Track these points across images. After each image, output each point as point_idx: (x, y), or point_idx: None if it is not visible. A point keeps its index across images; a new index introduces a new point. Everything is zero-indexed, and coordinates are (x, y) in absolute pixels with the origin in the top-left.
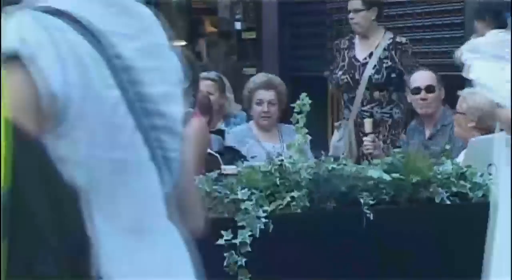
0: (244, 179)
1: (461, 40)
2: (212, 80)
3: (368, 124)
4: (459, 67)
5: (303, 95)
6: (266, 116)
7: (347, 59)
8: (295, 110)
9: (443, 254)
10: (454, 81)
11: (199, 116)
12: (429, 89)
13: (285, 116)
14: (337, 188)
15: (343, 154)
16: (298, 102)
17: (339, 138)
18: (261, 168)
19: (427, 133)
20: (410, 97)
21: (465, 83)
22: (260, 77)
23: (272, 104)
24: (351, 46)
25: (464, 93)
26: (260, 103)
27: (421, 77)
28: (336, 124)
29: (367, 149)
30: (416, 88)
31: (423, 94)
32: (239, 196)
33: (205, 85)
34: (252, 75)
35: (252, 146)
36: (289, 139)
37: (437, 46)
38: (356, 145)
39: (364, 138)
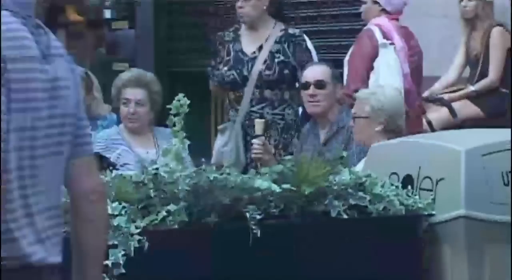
0: (114, 191)
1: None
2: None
3: (258, 125)
4: None
5: (180, 94)
6: (133, 118)
7: (232, 53)
8: (171, 112)
9: (339, 273)
10: None
11: None
12: (319, 84)
13: (163, 118)
14: (219, 201)
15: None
16: (174, 102)
17: (223, 144)
18: (133, 178)
19: (322, 137)
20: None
21: None
22: (128, 73)
23: (140, 104)
24: (237, 39)
25: (362, 94)
26: (126, 103)
27: (312, 71)
28: (220, 127)
29: (256, 153)
30: (305, 83)
31: (312, 89)
32: (109, 211)
33: None
34: (124, 71)
35: (123, 153)
36: (166, 145)
37: (337, 39)
38: (244, 152)
39: (253, 141)
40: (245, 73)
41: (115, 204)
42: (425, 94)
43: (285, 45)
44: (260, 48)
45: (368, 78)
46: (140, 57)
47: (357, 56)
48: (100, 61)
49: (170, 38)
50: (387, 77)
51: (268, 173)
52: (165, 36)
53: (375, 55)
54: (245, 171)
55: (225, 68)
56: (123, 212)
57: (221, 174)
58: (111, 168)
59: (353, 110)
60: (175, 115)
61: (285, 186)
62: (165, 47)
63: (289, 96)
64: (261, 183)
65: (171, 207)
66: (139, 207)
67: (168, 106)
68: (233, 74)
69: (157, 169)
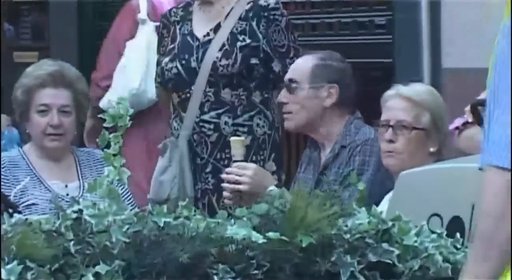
0: (15, 245)
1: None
2: None
3: (236, 145)
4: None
5: (121, 98)
6: (57, 132)
7: (178, 38)
8: (105, 124)
9: None
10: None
11: None
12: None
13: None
14: (174, 258)
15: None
16: (110, 109)
17: (162, 169)
18: (43, 225)
19: (322, 160)
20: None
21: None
22: (45, 67)
23: (65, 112)
24: (186, 18)
25: (416, 92)
26: (45, 110)
27: (303, 63)
28: (159, 145)
29: (232, 187)
30: (291, 81)
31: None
32: (4, 277)
33: None
34: (29, 64)
35: (29, 187)
36: (93, 174)
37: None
38: (191, 181)
39: (228, 169)
40: (193, 64)
41: (14, 264)
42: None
43: (254, 23)
44: (217, 28)
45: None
46: (53, 43)
47: (110, 36)
48: None
49: (102, 15)
50: (133, 62)
51: (246, 216)
52: (94, 12)
53: (133, 34)
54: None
55: (166, 59)
56: (28, 277)
57: (176, 218)
58: (10, 210)
59: (387, 116)
60: (111, 130)
61: (272, 235)
62: (93, 27)
63: (261, 99)
64: (236, 230)
65: (101, 268)
66: (53, 268)
67: (99, 116)
68: (176, 67)
69: (80, 211)
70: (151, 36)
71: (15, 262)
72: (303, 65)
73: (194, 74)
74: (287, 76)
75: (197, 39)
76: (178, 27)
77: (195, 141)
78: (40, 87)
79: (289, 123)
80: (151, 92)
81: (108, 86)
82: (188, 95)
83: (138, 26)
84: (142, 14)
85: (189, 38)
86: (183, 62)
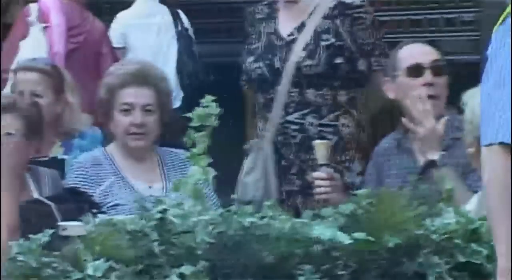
0: (99, 245)
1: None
2: (40, 71)
3: (320, 149)
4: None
5: (208, 98)
6: (140, 132)
7: (263, 37)
8: (190, 124)
9: None
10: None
11: None
12: (436, 69)
13: (172, 135)
14: (258, 259)
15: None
16: (197, 109)
17: (248, 170)
18: (128, 225)
19: (426, 155)
20: (399, 84)
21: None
22: (127, 66)
23: (148, 111)
24: (271, 15)
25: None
26: (128, 110)
27: (420, 51)
28: (246, 145)
29: (320, 192)
30: (415, 66)
31: (428, 76)
32: (90, 272)
33: (26, 81)
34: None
35: (113, 188)
36: (177, 175)
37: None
38: (276, 182)
39: (315, 174)
40: (277, 64)
41: (100, 263)
42: None
43: (338, 22)
44: (301, 27)
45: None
46: None
47: (10, 35)
48: None
49: (184, 11)
50: (26, 57)
51: (333, 216)
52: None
53: (26, 34)
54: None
55: (251, 59)
56: (112, 277)
57: (261, 218)
58: (94, 210)
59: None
60: (197, 130)
61: (358, 235)
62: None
63: (346, 98)
64: (322, 231)
65: (186, 268)
66: (138, 269)
67: (188, 114)
68: (260, 67)
69: (164, 211)
70: (39, 35)
71: (101, 260)
72: (436, 53)
73: (278, 75)
74: (430, 57)
75: (281, 38)
76: (263, 25)
77: (280, 143)
78: (122, 86)
79: (436, 109)
80: None
81: (6, 79)
82: (272, 95)
83: (29, 27)
84: (32, 17)
85: (273, 38)
86: (267, 62)
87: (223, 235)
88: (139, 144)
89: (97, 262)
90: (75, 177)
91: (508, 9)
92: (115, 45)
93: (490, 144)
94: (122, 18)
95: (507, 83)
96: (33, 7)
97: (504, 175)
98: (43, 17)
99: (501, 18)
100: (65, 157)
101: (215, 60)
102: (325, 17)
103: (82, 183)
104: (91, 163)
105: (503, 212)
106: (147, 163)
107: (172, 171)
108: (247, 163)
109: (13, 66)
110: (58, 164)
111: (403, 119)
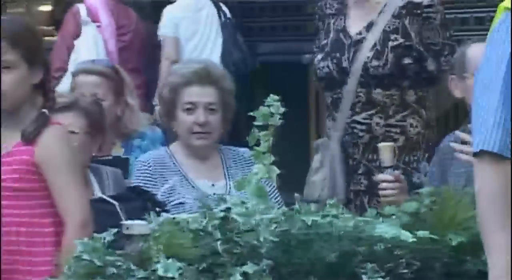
0: (162, 244)
1: None
2: (100, 74)
3: (386, 151)
4: None
5: (271, 97)
6: (203, 131)
7: (332, 34)
8: (255, 123)
9: None
10: None
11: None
12: None
13: (234, 134)
14: (321, 257)
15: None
16: (261, 108)
17: (315, 169)
18: (192, 224)
19: None
20: (468, 83)
21: None
22: (190, 65)
23: (211, 110)
24: (341, 11)
25: None
26: (192, 109)
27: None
28: (316, 142)
29: (385, 194)
30: None
31: None
32: (160, 272)
33: (86, 84)
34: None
35: (176, 186)
36: (240, 173)
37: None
38: (344, 181)
39: (380, 176)
40: (344, 64)
41: (164, 262)
42: None
43: (406, 21)
44: (370, 25)
45: (68, 57)
46: None
47: (59, 35)
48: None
49: (245, 11)
50: (87, 56)
51: (396, 215)
52: (238, 10)
53: (78, 33)
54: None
55: (319, 57)
56: (176, 275)
57: (324, 216)
58: (158, 209)
59: None
60: (260, 128)
61: (421, 233)
62: (238, 21)
63: (415, 98)
64: (385, 229)
65: (249, 267)
66: (201, 267)
67: (251, 113)
68: (328, 66)
69: (227, 210)
70: (95, 34)
71: (165, 261)
72: None
73: (345, 74)
74: None
75: (350, 36)
76: (332, 21)
77: (347, 142)
78: (186, 85)
79: None
80: None
81: (61, 76)
82: (339, 95)
83: (81, 27)
84: (84, 17)
85: (341, 35)
86: (335, 61)
87: (286, 234)
88: (203, 143)
89: (161, 263)
90: (139, 176)
91: (495, 20)
92: (168, 35)
93: (477, 153)
94: (172, 11)
95: (492, 88)
96: (81, 7)
97: (491, 185)
98: (92, 17)
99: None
100: (127, 156)
101: (279, 58)
102: (394, 16)
103: (146, 182)
104: (154, 162)
105: (493, 222)
106: (210, 161)
107: (235, 169)
108: (314, 162)
109: (70, 67)
110: (121, 164)
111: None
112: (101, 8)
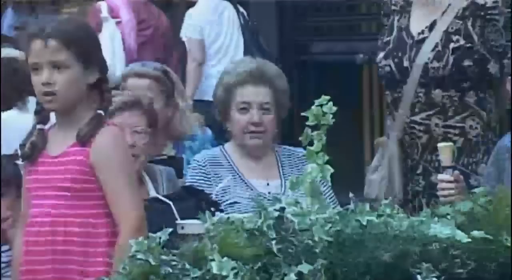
0: (217, 243)
1: None
2: (151, 77)
3: (445, 151)
4: None
5: (323, 98)
6: (258, 130)
7: (395, 32)
8: (307, 123)
9: None
10: None
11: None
12: None
13: (287, 133)
14: (376, 257)
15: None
16: (313, 107)
17: (374, 168)
18: (246, 223)
19: None
20: None
21: None
22: (244, 64)
23: (266, 109)
24: (405, 9)
25: None
26: (246, 108)
27: None
28: (377, 140)
29: (444, 195)
30: None
31: None
32: (215, 271)
33: (137, 87)
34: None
35: (230, 185)
36: (295, 173)
37: None
38: (401, 181)
39: (440, 176)
40: (405, 63)
41: (219, 261)
42: None
43: (469, 23)
44: (433, 25)
45: None
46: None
47: None
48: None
49: (299, 11)
50: (109, 51)
51: (451, 214)
52: (292, 11)
53: (99, 29)
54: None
55: (381, 55)
56: (230, 275)
57: (379, 216)
58: (213, 209)
59: None
60: (313, 128)
61: (476, 233)
62: (291, 24)
63: (475, 100)
64: (440, 229)
65: (304, 267)
66: (256, 267)
67: (303, 114)
68: (389, 65)
69: (282, 210)
70: (113, 30)
71: (220, 261)
72: None
73: (406, 74)
74: None
75: (412, 36)
76: (396, 17)
77: (406, 142)
78: (240, 84)
79: None
80: (113, 79)
81: None
82: (399, 94)
83: (102, 23)
84: (104, 14)
85: (404, 34)
86: (396, 60)
87: (341, 234)
88: (257, 143)
89: (217, 262)
90: (194, 175)
91: None
92: (193, 37)
93: None
94: (197, 13)
95: None
96: (102, 4)
97: None
98: (112, 13)
99: None
100: (181, 156)
101: (331, 58)
102: (457, 17)
103: (201, 181)
104: (209, 161)
105: None
106: (265, 161)
107: (289, 168)
108: (374, 160)
109: (117, 71)
110: (175, 163)
111: None
112: (122, 4)
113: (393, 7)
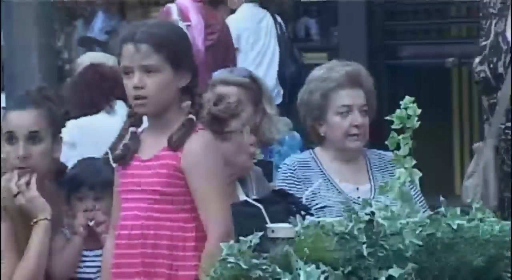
0: (307, 247)
1: None
2: (239, 85)
3: None
4: None
5: (408, 99)
6: (360, 132)
7: (492, 36)
8: (393, 126)
9: None
10: None
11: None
12: None
13: (377, 138)
14: (467, 261)
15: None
16: (397, 110)
17: (469, 174)
18: (336, 227)
19: None
20: None
21: None
22: (339, 68)
23: (364, 111)
24: (503, 12)
25: None
26: (346, 112)
27: None
28: (474, 146)
29: None
30: None
31: None
32: (302, 277)
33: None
34: (315, 65)
35: (320, 189)
36: (385, 177)
37: None
38: (496, 187)
39: None
40: (500, 70)
41: (309, 266)
42: None
43: None
44: None
45: None
46: (343, 42)
47: None
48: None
49: (391, 15)
50: None
51: None
52: (382, 12)
53: None
54: (501, 215)
55: (477, 60)
56: (321, 279)
57: (470, 220)
58: (302, 212)
59: None
60: (399, 132)
61: None
62: (382, 27)
63: None
64: None
65: (394, 271)
66: (346, 271)
67: (387, 118)
68: (484, 71)
69: (372, 214)
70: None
71: (309, 265)
72: None
73: (500, 80)
74: None
75: (507, 42)
76: (494, 21)
77: (502, 148)
78: (339, 88)
79: None
80: None
81: None
82: (495, 100)
83: None
84: (175, 16)
85: (500, 39)
86: (491, 66)
87: (432, 237)
88: (358, 145)
89: (306, 266)
90: (284, 179)
91: None
92: None
93: None
94: (234, 22)
95: None
96: (172, 6)
97: None
98: (182, 16)
99: None
100: (270, 159)
101: (421, 62)
102: None
103: (291, 185)
104: (299, 165)
105: None
106: (355, 165)
107: (379, 172)
108: (470, 166)
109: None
110: (265, 167)
111: None
112: (191, 8)
113: (491, 10)
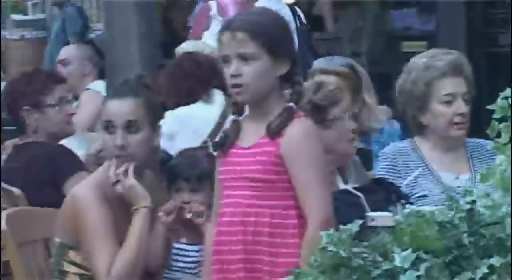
0: (407, 236)
1: None
2: (338, 74)
3: None
4: None
5: (508, 90)
6: (464, 121)
7: None
8: (493, 116)
9: None
10: None
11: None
12: None
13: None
14: None
15: None
16: (499, 100)
17: None
18: (437, 216)
19: None
20: None
21: None
22: (442, 56)
23: (465, 100)
24: None
25: None
26: (450, 101)
27: None
28: None
29: None
30: None
31: None
32: (398, 264)
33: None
34: (413, 54)
35: (420, 178)
36: (484, 166)
37: None
38: None
39: None
40: None
41: (407, 253)
42: None
43: None
44: None
45: None
46: (442, 29)
47: (193, 28)
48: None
49: (487, 3)
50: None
51: None
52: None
53: (208, 26)
54: None
55: None
56: (422, 268)
57: None
58: (402, 201)
59: None
60: (500, 120)
61: None
62: (483, 15)
63: None
64: None
65: (496, 260)
66: (446, 260)
67: (488, 107)
68: None
69: (473, 202)
70: (218, 27)
71: (409, 250)
72: None
73: None
74: None
75: None
76: None
77: None
78: (442, 77)
79: None
80: None
81: None
82: None
83: (211, 21)
84: (213, 12)
85: None
86: None
87: None
88: (462, 134)
89: (404, 253)
90: (383, 167)
91: None
92: None
93: None
94: None
95: None
96: (212, 3)
97: None
98: (221, 12)
99: None
100: (370, 148)
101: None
102: None
103: (390, 173)
104: (398, 154)
105: None
106: (455, 154)
107: (479, 161)
108: None
109: None
110: (364, 156)
111: None
112: (230, 4)
113: None
